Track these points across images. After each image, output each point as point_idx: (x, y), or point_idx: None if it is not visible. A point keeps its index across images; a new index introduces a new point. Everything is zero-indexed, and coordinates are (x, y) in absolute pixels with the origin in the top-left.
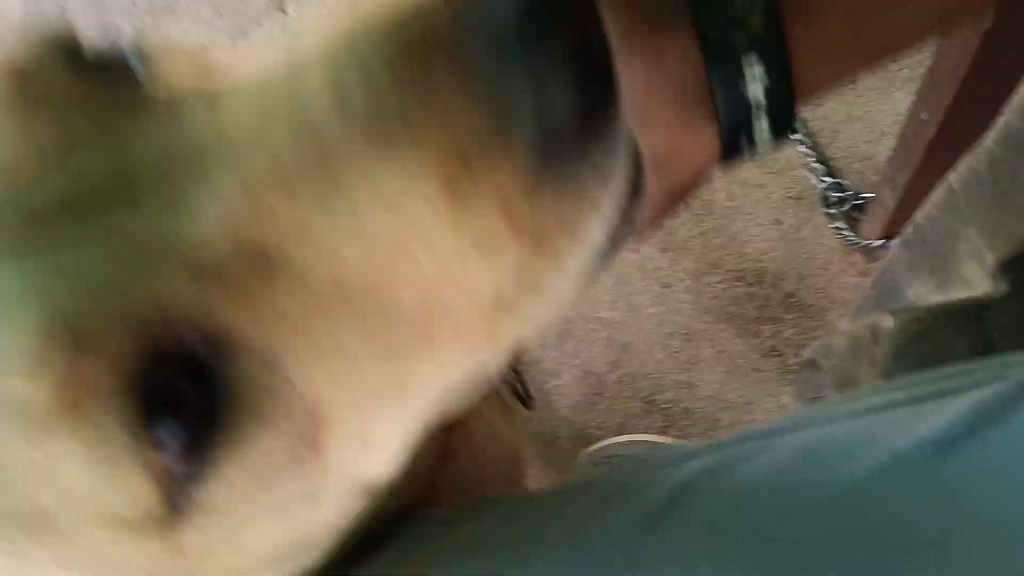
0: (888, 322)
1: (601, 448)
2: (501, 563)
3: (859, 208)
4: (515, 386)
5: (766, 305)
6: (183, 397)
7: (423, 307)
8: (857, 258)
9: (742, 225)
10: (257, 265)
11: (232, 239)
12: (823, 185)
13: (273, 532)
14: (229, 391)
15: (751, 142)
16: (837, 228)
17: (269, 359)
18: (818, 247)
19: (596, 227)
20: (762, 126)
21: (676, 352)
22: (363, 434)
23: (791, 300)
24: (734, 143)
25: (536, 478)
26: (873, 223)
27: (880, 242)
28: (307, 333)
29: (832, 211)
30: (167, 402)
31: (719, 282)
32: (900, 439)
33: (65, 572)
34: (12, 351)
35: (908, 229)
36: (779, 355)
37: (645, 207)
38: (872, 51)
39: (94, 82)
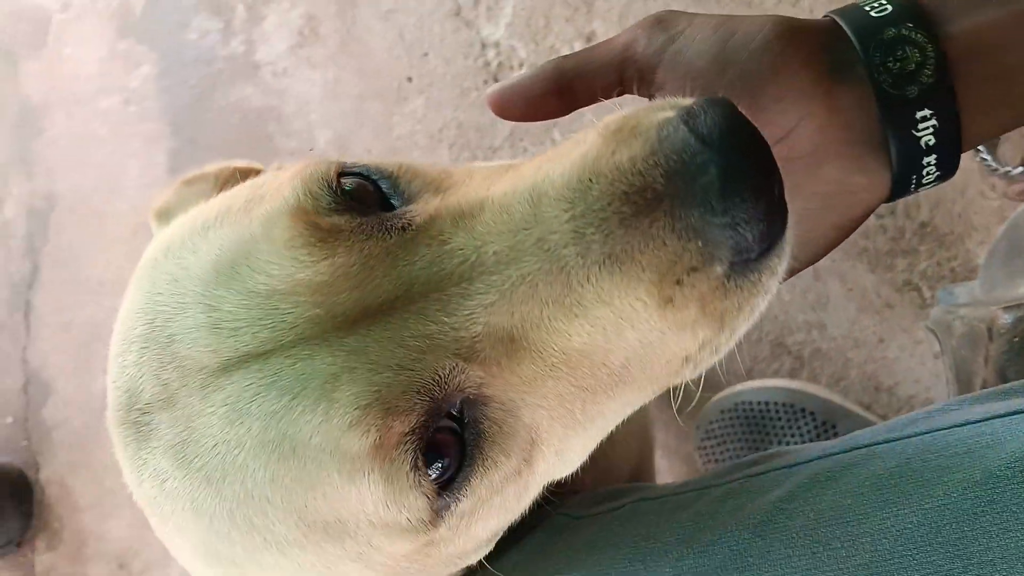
0: (1003, 319)
1: (729, 395)
2: (625, 561)
3: None
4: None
5: (899, 237)
6: (450, 445)
7: (625, 366)
8: (997, 181)
9: None
10: (506, 346)
11: (489, 329)
12: None
13: (493, 523)
14: (481, 431)
15: (919, 184)
16: (976, 149)
17: (510, 407)
18: None
19: (764, 302)
20: (930, 169)
21: (804, 292)
22: (563, 451)
23: (926, 230)
24: (903, 184)
25: (664, 428)
26: (1011, 148)
27: (1020, 169)
28: (537, 387)
29: None
30: (439, 445)
31: None
32: (994, 457)
33: (353, 565)
34: (339, 416)
35: None
36: (914, 289)
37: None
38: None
39: (355, 210)
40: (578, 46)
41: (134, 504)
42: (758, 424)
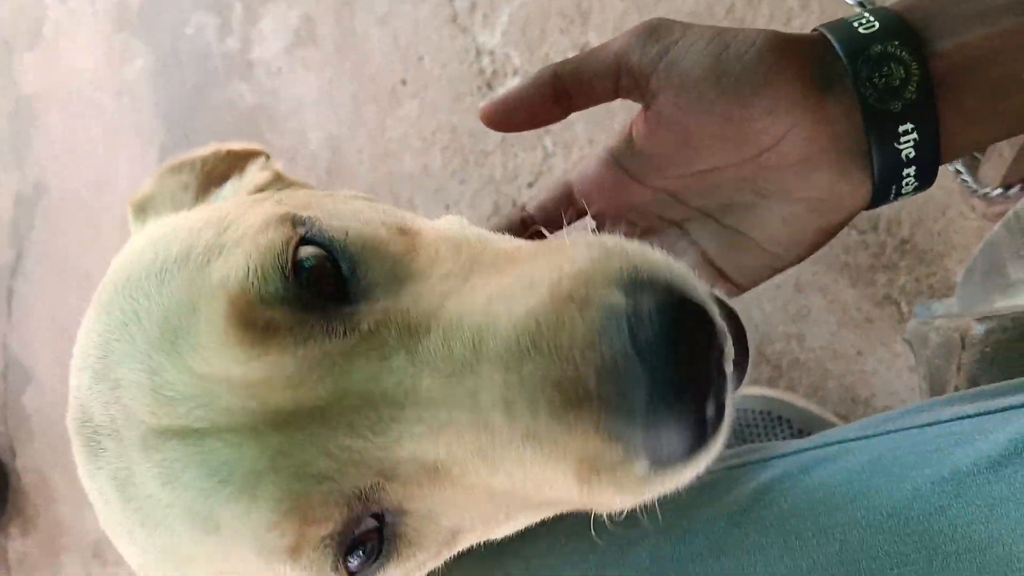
0: (976, 329)
1: None
2: (602, 548)
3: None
4: None
5: (880, 253)
6: (371, 537)
7: (542, 499)
8: (976, 202)
9: None
10: (429, 473)
11: (414, 456)
12: None
13: None
14: (399, 534)
15: (898, 193)
16: (957, 170)
17: (430, 517)
18: (936, 190)
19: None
20: (909, 180)
21: (786, 303)
22: (488, 534)
23: (906, 247)
24: (883, 192)
25: None
26: (991, 169)
27: (998, 191)
28: (458, 506)
29: None
30: (356, 543)
31: None
32: (962, 454)
33: None
34: (259, 515)
35: (1010, 214)
36: (893, 304)
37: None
38: (1011, 123)
39: (301, 300)
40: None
41: None
42: (735, 430)
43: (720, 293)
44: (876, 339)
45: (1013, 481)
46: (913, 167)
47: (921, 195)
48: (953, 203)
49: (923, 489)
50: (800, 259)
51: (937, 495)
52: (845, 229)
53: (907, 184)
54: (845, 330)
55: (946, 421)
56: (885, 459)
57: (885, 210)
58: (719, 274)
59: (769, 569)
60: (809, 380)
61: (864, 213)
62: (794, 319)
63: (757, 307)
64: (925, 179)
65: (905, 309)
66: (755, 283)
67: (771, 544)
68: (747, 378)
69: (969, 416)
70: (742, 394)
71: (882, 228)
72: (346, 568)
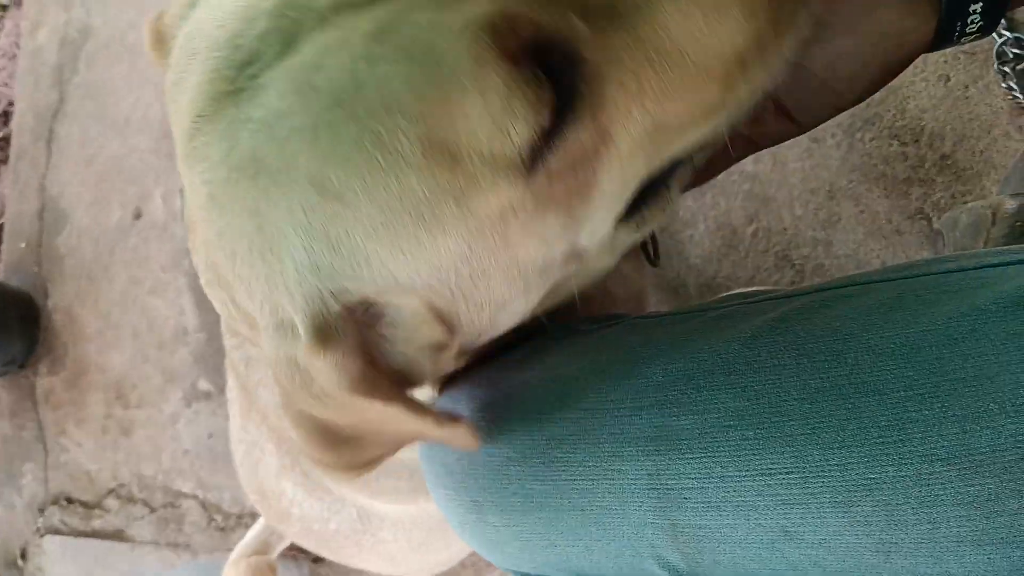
0: (1009, 204)
1: (726, 297)
2: (619, 363)
3: None
4: (646, 243)
5: (919, 166)
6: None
7: (701, 68)
8: None
9: (907, 79)
10: (611, 20)
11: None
12: (1001, 39)
13: (558, 231)
14: (574, 88)
15: (963, 32)
16: (1009, 87)
17: (600, 77)
18: (984, 107)
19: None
20: (975, 18)
21: (817, 209)
22: (617, 183)
23: (946, 162)
24: (948, 30)
25: None
26: None
27: None
28: (629, 70)
29: (1006, 68)
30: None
31: (872, 139)
32: (983, 295)
33: (448, 209)
34: (471, 22)
35: None
36: (924, 218)
37: None
38: None
39: None
40: None
41: (137, 338)
42: None
43: None
44: (902, 252)
45: None
46: (980, 3)
47: (968, 112)
48: (999, 122)
49: (939, 323)
50: (861, 98)
51: (952, 328)
52: (886, 138)
53: (972, 23)
54: (872, 240)
55: (972, 268)
56: (906, 297)
57: (929, 123)
58: (780, 110)
59: (779, 386)
60: None
61: (907, 124)
62: (824, 225)
63: (788, 210)
64: (991, 20)
65: (936, 225)
66: (816, 122)
67: (783, 365)
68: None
69: (995, 265)
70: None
71: (924, 141)
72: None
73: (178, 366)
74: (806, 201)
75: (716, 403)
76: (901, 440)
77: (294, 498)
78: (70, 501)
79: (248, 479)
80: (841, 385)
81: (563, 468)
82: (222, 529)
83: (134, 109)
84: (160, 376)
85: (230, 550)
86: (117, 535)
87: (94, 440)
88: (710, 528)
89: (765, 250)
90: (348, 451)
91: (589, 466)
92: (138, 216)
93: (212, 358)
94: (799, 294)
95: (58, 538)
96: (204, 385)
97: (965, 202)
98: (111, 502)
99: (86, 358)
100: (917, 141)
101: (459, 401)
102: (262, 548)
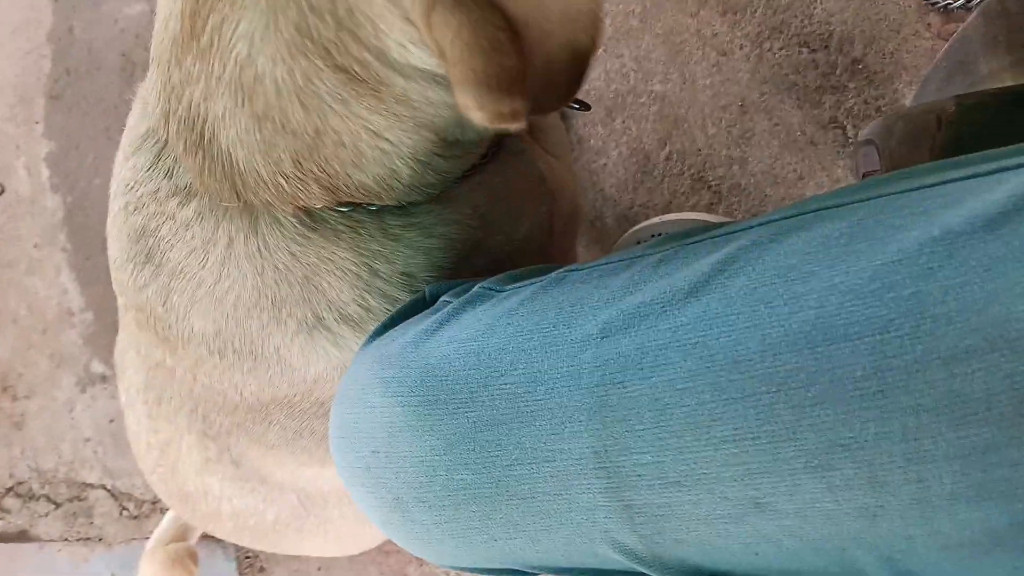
0: (952, 107)
1: (646, 226)
2: (548, 326)
3: None
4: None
5: (830, 73)
6: None
7: None
8: (934, 19)
9: None
10: None
11: None
12: None
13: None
14: None
15: None
16: None
17: None
18: (892, 7)
19: None
20: None
21: (730, 126)
22: None
23: (857, 67)
24: None
25: (581, 257)
26: None
27: (959, 2)
28: None
29: None
30: None
31: (781, 48)
32: (953, 215)
33: None
34: None
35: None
36: (839, 127)
37: None
38: None
39: None
40: None
41: (17, 324)
42: None
43: None
44: (817, 164)
45: (1012, 240)
46: None
47: (876, 13)
48: (908, 22)
49: (910, 251)
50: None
51: (926, 256)
52: (795, 46)
53: None
54: (788, 154)
55: (932, 185)
56: (866, 223)
57: (837, 27)
58: None
59: (734, 340)
60: (748, 205)
61: (815, 30)
62: (738, 142)
63: (701, 130)
64: None
65: (851, 132)
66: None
67: (737, 314)
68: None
69: (957, 180)
70: (680, 218)
71: (833, 47)
72: None
73: (67, 349)
74: (718, 119)
75: (664, 365)
76: (880, 391)
77: (223, 494)
78: None
79: (166, 486)
80: (806, 333)
81: (496, 454)
82: (135, 517)
83: None
84: (48, 362)
85: (146, 538)
86: (21, 536)
87: None
88: (669, 506)
89: (680, 173)
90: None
91: (525, 448)
92: (2, 192)
93: (104, 337)
94: (742, 228)
95: None
96: (98, 367)
97: (879, 108)
98: (10, 502)
99: None
100: (827, 47)
101: (369, 383)
102: (180, 534)
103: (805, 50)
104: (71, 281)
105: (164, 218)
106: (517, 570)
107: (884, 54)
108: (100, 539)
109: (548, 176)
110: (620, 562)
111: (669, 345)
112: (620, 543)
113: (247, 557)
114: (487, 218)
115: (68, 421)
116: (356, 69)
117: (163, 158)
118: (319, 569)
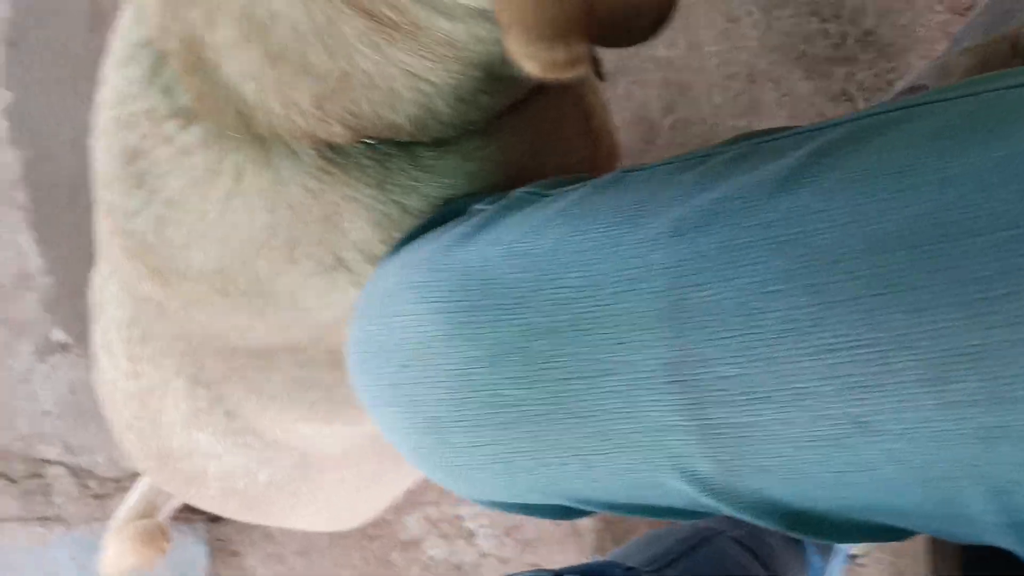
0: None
1: (730, 140)
2: (608, 223)
3: None
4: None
5: (841, 44)
6: None
7: None
8: None
9: None
10: None
11: None
12: None
13: None
14: None
15: None
16: None
17: None
18: None
19: None
20: None
21: (737, 95)
22: None
23: (869, 38)
24: None
25: None
26: None
27: None
28: None
29: None
30: None
31: (791, 16)
32: None
33: None
34: None
35: None
36: (848, 100)
37: None
38: None
39: None
40: None
41: None
42: None
43: None
44: None
45: None
46: None
47: None
48: None
49: None
50: None
51: None
52: (806, 15)
53: None
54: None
55: None
56: (978, 115)
57: None
58: None
59: (835, 236)
60: None
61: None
62: (744, 112)
63: (707, 99)
64: None
65: (861, 105)
66: None
67: (834, 209)
68: None
69: None
70: None
71: (845, 17)
72: None
73: (25, 316)
74: (725, 87)
75: (751, 265)
76: (1008, 294)
77: (211, 451)
78: None
79: (143, 444)
80: (919, 228)
81: (549, 366)
82: (98, 496)
83: None
84: (4, 330)
85: (110, 519)
86: None
87: None
88: (755, 426)
89: (684, 143)
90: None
91: (585, 360)
92: None
93: (66, 302)
94: (831, 125)
95: None
96: (59, 335)
97: (890, 81)
98: None
99: None
100: (838, 17)
101: (396, 291)
102: (147, 510)
103: (815, 19)
104: (30, 242)
105: (160, 141)
106: (561, 506)
107: (897, 27)
108: (59, 518)
109: (594, 113)
110: (685, 494)
111: (756, 243)
112: (690, 469)
113: (219, 540)
114: (531, 149)
115: (25, 393)
116: (387, 14)
117: (160, 74)
118: (297, 554)
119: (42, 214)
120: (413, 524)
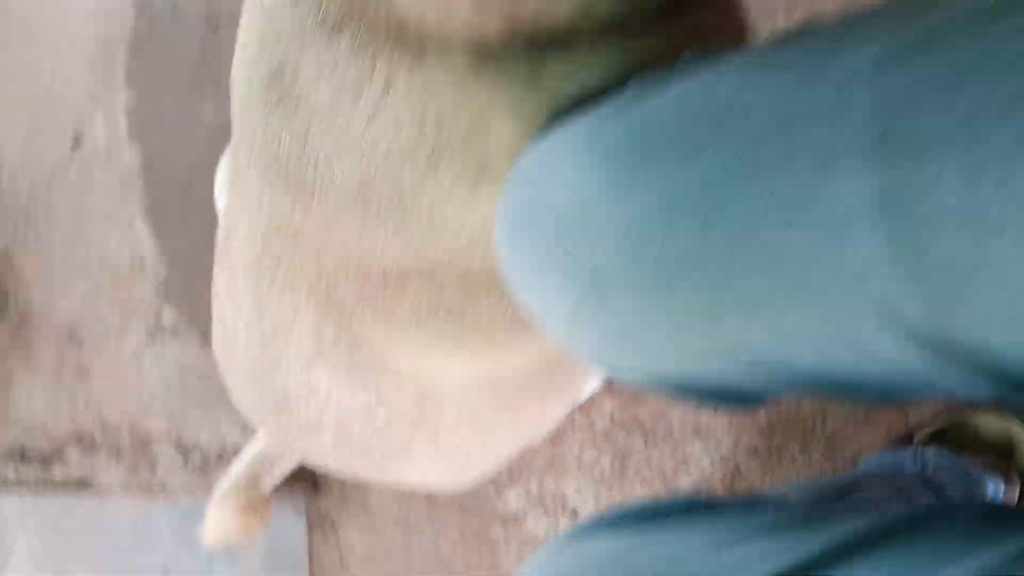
0: None
1: None
2: (791, 63)
3: None
4: None
5: None
6: None
7: None
8: None
9: None
10: None
11: None
12: None
13: None
14: None
15: None
16: None
17: None
18: None
19: None
20: None
21: None
22: None
23: None
24: None
25: None
26: None
27: None
28: None
29: None
30: None
31: None
32: None
33: None
34: None
35: None
36: None
37: None
38: None
39: None
40: None
41: (87, 276)
42: None
43: None
44: None
45: None
46: None
47: None
48: None
49: None
50: None
51: None
52: None
53: None
54: None
55: None
56: None
57: None
58: None
59: None
60: None
61: None
62: None
63: None
64: None
65: None
66: None
67: None
68: None
69: None
70: None
71: None
72: None
73: (138, 300)
74: None
75: (976, 84)
76: None
77: (330, 393)
78: (25, 456)
79: (260, 394)
80: None
81: (734, 208)
82: (201, 470)
83: (62, 25)
84: (118, 313)
85: (211, 492)
86: (80, 486)
87: (47, 388)
88: (982, 262)
89: None
90: None
91: (776, 197)
92: (77, 144)
93: (177, 287)
94: None
95: (14, 497)
96: (169, 318)
97: None
98: (72, 452)
99: (30, 303)
100: None
101: (555, 150)
102: (250, 482)
103: None
104: (145, 232)
105: (307, 52)
106: (732, 388)
107: None
108: (163, 490)
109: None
110: (885, 350)
111: (983, 64)
112: (898, 313)
113: (317, 513)
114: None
115: (135, 373)
116: None
117: None
118: (394, 526)
119: (158, 205)
120: (514, 499)
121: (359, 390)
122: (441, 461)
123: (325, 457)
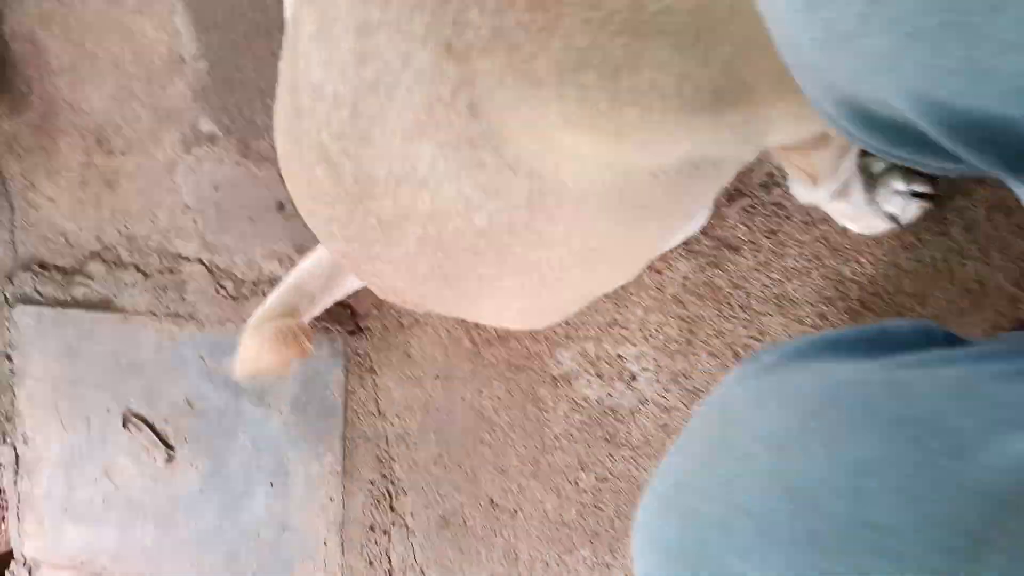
0: None
1: None
2: None
3: None
4: None
5: None
6: None
7: None
8: None
9: None
10: None
11: None
12: None
13: None
14: None
15: None
16: None
17: None
18: None
19: None
20: None
21: None
22: None
23: None
24: None
25: None
26: None
27: None
28: None
29: None
30: None
31: None
32: None
33: None
34: None
35: None
36: None
37: None
38: None
39: None
40: None
41: (119, 69)
42: None
43: None
44: None
45: None
46: None
47: None
48: None
49: None
50: None
51: None
52: None
53: None
54: None
55: None
56: None
57: None
58: None
59: None
60: None
61: None
62: None
63: None
64: None
65: None
66: None
67: None
68: None
69: None
70: None
71: None
72: None
73: (173, 103)
74: None
75: None
76: None
77: (430, 175)
78: (44, 267)
79: (336, 176)
80: None
81: None
82: (233, 298)
83: None
84: (151, 116)
85: (244, 322)
86: (104, 305)
87: (71, 194)
88: None
89: None
90: None
91: None
92: None
93: (217, 91)
94: None
95: (32, 309)
96: (207, 125)
97: None
98: (95, 267)
99: (56, 95)
100: None
101: None
102: (288, 311)
103: None
104: (185, 24)
105: None
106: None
107: None
108: (192, 317)
109: None
110: None
111: None
112: None
113: (357, 355)
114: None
115: (167, 184)
116: None
117: None
118: (436, 378)
119: None
120: (567, 359)
121: (465, 175)
122: (533, 288)
123: (394, 275)
